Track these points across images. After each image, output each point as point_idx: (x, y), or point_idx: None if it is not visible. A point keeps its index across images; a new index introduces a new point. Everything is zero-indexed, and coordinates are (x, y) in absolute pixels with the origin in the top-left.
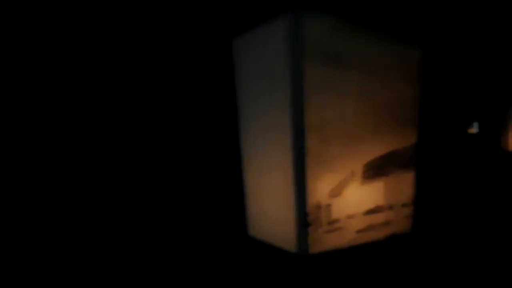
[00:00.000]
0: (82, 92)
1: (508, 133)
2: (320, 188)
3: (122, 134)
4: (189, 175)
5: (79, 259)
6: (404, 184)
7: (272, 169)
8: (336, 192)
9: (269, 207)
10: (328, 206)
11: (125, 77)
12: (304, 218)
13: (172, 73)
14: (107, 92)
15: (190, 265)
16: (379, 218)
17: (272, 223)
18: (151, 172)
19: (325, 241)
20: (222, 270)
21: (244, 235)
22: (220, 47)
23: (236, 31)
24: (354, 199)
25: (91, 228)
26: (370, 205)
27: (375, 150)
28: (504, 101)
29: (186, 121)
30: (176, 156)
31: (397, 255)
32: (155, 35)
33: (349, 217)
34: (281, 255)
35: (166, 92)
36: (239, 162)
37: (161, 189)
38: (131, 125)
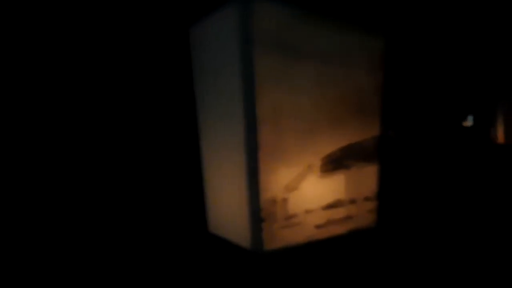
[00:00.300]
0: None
1: (498, 126)
2: (275, 182)
3: (72, 132)
4: (149, 172)
5: (45, 260)
6: (366, 177)
7: (227, 163)
8: (292, 186)
9: (225, 202)
10: (284, 200)
11: (75, 71)
12: (258, 213)
13: (126, 65)
14: (57, 87)
15: (147, 263)
16: (340, 212)
17: (229, 219)
18: (107, 169)
19: (282, 237)
20: (175, 268)
21: (204, 231)
22: (176, 36)
23: (192, 19)
24: (313, 193)
25: (52, 227)
26: (330, 199)
27: (334, 142)
28: (473, 93)
29: (144, 118)
30: (135, 154)
31: (359, 251)
32: (103, 24)
33: (308, 212)
34: (237, 252)
35: (121, 87)
36: (199, 157)
37: (119, 187)
38: (82, 122)
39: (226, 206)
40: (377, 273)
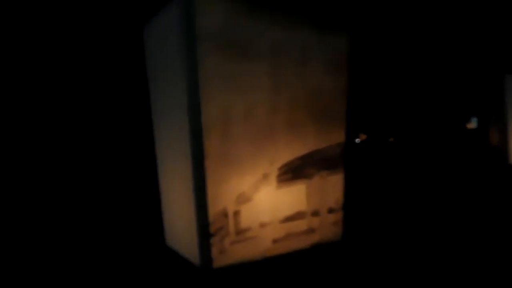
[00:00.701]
0: None
1: (498, 130)
2: (226, 193)
3: (13, 133)
4: (108, 182)
5: None
6: (331, 187)
7: (177, 173)
8: (245, 198)
9: (177, 215)
10: (237, 213)
11: (20, 69)
12: (206, 228)
13: (80, 66)
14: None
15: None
16: (301, 225)
17: (180, 233)
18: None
19: (234, 252)
20: (120, 279)
21: (161, 244)
22: (130, 34)
23: (146, 16)
24: (269, 205)
25: None
26: (290, 211)
27: (293, 150)
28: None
29: (99, 125)
30: (93, 161)
31: (322, 266)
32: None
33: (263, 225)
34: (188, 268)
35: (76, 90)
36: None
37: (75, 191)
38: (31, 124)
39: (178, 219)
40: None
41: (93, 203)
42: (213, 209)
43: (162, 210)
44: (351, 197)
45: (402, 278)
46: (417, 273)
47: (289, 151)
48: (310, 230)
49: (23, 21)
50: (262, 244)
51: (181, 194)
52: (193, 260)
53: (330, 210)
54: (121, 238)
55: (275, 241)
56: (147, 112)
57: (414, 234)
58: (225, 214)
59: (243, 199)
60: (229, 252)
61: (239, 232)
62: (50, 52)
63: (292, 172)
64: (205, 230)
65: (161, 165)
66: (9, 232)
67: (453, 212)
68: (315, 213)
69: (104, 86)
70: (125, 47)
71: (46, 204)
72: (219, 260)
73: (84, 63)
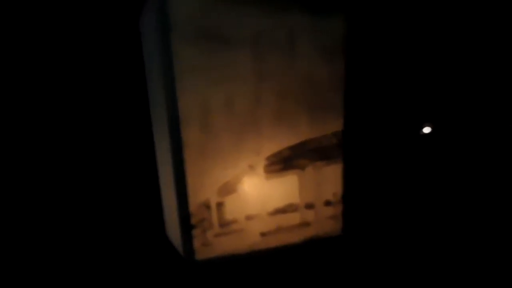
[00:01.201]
0: None
1: None
2: (207, 185)
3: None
4: (111, 176)
5: None
6: (327, 179)
7: (164, 165)
8: (228, 190)
9: (167, 206)
10: (220, 205)
11: (16, 68)
12: (187, 219)
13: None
14: None
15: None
16: (293, 218)
17: (171, 224)
18: (69, 172)
19: (218, 245)
20: (117, 272)
21: (162, 235)
22: (127, 27)
23: (140, 7)
24: (257, 197)
25: None
26: (279, 203)
27: (282, 141)
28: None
29: (100, 121)
30: (95, 157)
31: (317, 261)
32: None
33: (250, 217)
34: (177, 259)
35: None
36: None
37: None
38: (29, 123)
39: (168, 210)
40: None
41: (97, 194)
42: (194, 200)
43: (162, 203)
44: (367, 191)
45: (403, 277)
46: (422, 274)
47: (278, 141)
48: (304, 224)
49: (12, 14)
50: (249, 237)
51: (168, 185)
52: (180, 251)
53: (327, 203)
54: (124, 228)
55: (263, 234)
56: (145, 106)
57: (426, 233)
58: (207, 206)
59: (226, 190)
60: (213, 245)
61: (224, 224)
62: (39, 43)
63: (282, 163)
64: (186, 222)
65: (158, 159)
66: (7, 227)
67: (483, 212)
68: (309, 206)
69: (104, 77)
70: (122, 38)
71: (45, 191)
72: (202, 252)
73: (81, 57)
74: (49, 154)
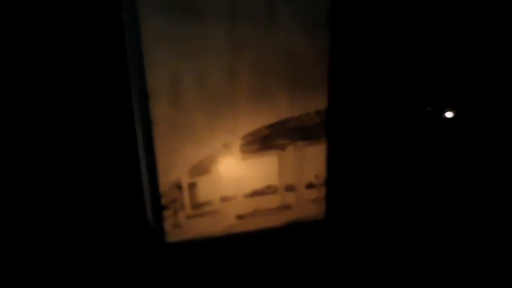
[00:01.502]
0: None
1: None
2: (178, 164)
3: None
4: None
5: None
6: (310, 160)
7: (139, 145)
8: (202, 170)
9: (144, 189)
10: (193, 186)
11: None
12: (158, 200)
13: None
14: None
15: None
16: (272, 201)
17: (147, 206)
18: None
19: (191, 227)
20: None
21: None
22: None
23: None
24: (232, 178)
25: None
26: (257, 185)
27: (259, 119)
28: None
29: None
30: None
31: (298, 247)
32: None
33: (225, 199)
34: (151, 241)
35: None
36: None
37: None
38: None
39: (145, 192)
40: (310, 275)
41: (80, 179)
42: (165, 180)
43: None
44: (352, 173)
45: (387, 264)
46: (407, 260)
47: (255, 119)
48: (284, 207)
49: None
50: (225, 220)
51: (142, 165)
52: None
53: (309, 186)
54: (106, 212)
55: (240, 217)
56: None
57: (413, 219)
58: (178, 186)
59: (199, 170)
60: (186, 227)
61: (196, 206)
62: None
63: (260, 142)
64: (156, 202)
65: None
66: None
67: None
68: (289, 188)
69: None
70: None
71: (41, 183)
72: (174, 234)
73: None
74: (32, 136)
